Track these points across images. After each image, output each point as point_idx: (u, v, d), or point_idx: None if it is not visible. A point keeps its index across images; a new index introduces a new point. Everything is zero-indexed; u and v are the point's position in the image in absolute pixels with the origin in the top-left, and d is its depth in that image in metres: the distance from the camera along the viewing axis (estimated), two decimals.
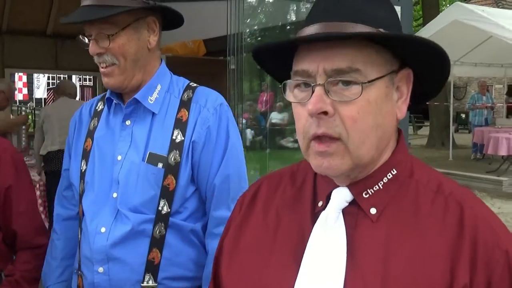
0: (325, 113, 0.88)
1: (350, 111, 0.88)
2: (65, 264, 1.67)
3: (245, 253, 1.03)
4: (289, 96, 0.94)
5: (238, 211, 1.11)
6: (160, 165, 1.47)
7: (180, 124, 1.51)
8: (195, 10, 4.33)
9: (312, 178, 1.04)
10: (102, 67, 1.49)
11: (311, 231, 0.95)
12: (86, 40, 1.52)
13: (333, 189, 0.97)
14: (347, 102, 0.88)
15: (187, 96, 1.56)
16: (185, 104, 1.54)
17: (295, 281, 0.92)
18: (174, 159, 1.48)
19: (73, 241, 1.65)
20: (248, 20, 4.88)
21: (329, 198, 0.97)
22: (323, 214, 0.95)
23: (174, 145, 1.49)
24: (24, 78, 17.48)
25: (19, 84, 17.36)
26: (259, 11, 7.26)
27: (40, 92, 19.63)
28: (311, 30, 0.91)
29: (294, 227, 0.99)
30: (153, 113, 1.53)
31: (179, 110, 1.54)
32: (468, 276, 0.85)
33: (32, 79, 18.75)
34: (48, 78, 19.91)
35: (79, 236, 1.56)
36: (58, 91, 5.79)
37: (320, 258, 0.92)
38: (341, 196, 0.95)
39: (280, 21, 6.38)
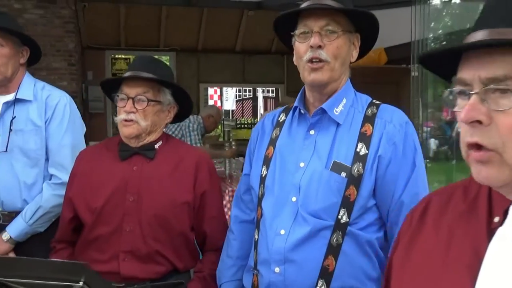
0: (479, 122, 0.85)
1: (507, 120, 0.83)
2: (240, 263, 1.76)
3: (416, 269, 1.00)
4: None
5: (407, 226, 1.09)
6: (343, 174, 1.50)
7: (364, 138, 1.53)
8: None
9: (486, 192, 0.97)
10: (314, 63, 1.55)
11: (486, 248, 0.89)
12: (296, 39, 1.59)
13: (511, 204, 0.90)
14: (503, 112, 0.83)
15: (371, 111, 1.59)
16: (369, 119, 1.57)
17: None
18: (357, 170, 1.50)
19: (248, 243, 1.74)
20: (432, 24, 4.66)
21: (507, 213, 0.90)
22: (500, 230, 0.89)
23: (358, 157, 1.51)
24: (218, 92, 19.04)
25: (214, 97, 18.93)
26: (444, 13, 6.87)
27: (229, 104, 21.17)
28: (476, 36, 0.89)
29: (468, 243, 0.94)
30: (338, 124, 1.57)
31: (363, 125, 1.56)
32: None
33: (222, 92, 20.35)
34: (235, 91, 21.41)
35: (257, 236, 1.63)
36: (279, 103, 6.27)
37: (498, 275, 0.86)
38: None
39: (468, 23, 5.96)
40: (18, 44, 2.21)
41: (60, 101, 2.25)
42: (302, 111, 1.63)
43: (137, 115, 1.82)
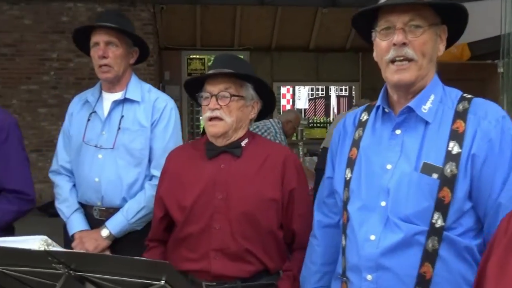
0: None
1: None
2: (324, 269, 1.72)
3: None
4: None
5: (503, 233, 1.02)
6: (435, 176, 1.41)
7: (456, 136, 1.43)
8: None
9: None
10: (399, 64, 1.46)
11: None
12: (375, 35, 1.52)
13: None
14: None
15: (463, 107, 1.48)
16: (460, 115, 1.46)
17: None
18: (451, 171, 1.40)
19: (332, 248, 1.69)
20: None
21: None
22: None
23: (450, 157, 1.42)
24: (291, 90, 19.06)
25: (287, 96, 18.98)
26: None
27: (302, 103, 21.10)
28: None
29: None
30: (426, 123, 1.48)
31: (454, 121, 1.45)
32: None
33: (294, 90, 20.32)
34: (308, 90, 21.30)
35: (344, 241, 1.58)
36: (354, 104, 6.56)
37: None
38: None
39: None
40: (130, 45, 2.28)
41: (167, 105, 2.30)
42: (386, 110, 1.55)
43: (221, 112, 1.82)
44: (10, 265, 1.15)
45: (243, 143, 1.90)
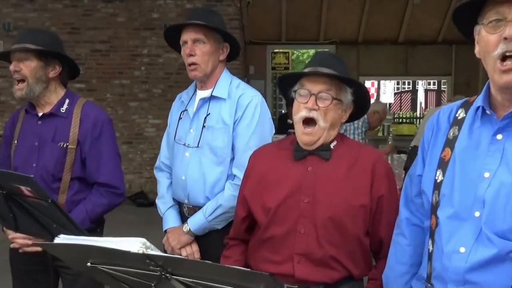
0: None
1: None
2: (413, 271, 1.63)
3: None
4: None
5: None
6: None
7: None
8: None
9: None
10: (508, 62, 1.30)
11: None
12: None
13: None
14: None
15: None
16: None
17: None
18: None
19: (421, 248, 1.60)
20: None
21: None
22: None
23: None
24: (376, 84, 18.65)
25: (371, 90, 18.59)
26: None
27: (387, 97, 20.54)
28: None
29: None
30: None
31: None
32: None
33: (379, 84, 19.82)
34: (394, 83, 20.68)
35: (431, 247, 1.48)
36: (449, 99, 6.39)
37: None
38: None
39: None
40: (220, 40, 2.23)
41: (252, 101, 2.22)
42: (488, 111, 1.41)
43: (318, 114, 1.76)
44: (110, 264, 1.18)
45: (331, 145, 1.83)
